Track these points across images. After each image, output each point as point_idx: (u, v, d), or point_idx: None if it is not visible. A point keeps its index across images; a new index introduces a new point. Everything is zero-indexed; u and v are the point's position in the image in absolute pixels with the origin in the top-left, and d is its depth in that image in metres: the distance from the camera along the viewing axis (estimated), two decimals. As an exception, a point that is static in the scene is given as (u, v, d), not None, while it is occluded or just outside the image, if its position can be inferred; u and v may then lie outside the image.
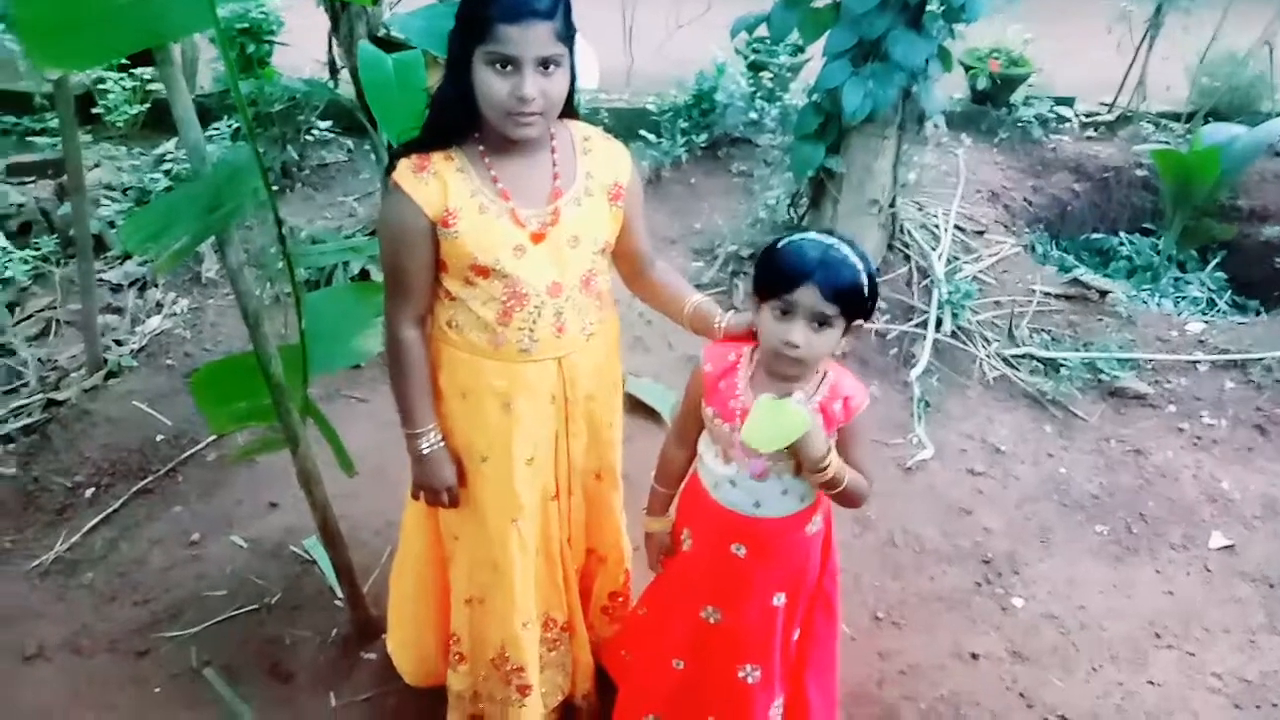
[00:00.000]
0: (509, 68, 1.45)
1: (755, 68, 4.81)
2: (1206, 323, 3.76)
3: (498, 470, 1.74)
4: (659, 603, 1.93)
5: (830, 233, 1.57)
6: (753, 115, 4.66)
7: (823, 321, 1.51)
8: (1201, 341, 3.59)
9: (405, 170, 1.56)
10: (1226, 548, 2.80)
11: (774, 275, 1.53)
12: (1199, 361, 3.50)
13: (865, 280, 1.52)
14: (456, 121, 1.55)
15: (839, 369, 1.66)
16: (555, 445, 1.79)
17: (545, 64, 1.46)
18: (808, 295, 1.49)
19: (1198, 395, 3.38)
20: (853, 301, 1.51)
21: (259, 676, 2.29)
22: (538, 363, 1.67)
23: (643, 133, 4.57)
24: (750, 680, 1.83)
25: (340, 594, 2.37)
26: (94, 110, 4.48)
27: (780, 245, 1.56)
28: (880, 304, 3.58)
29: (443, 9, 2.01)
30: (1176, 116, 5.13)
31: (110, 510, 2.73)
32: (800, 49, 4.85)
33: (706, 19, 4.94)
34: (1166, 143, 4.84)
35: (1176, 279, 4.38)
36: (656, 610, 1.93)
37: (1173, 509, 2.93)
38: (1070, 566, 2.72)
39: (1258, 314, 4.19)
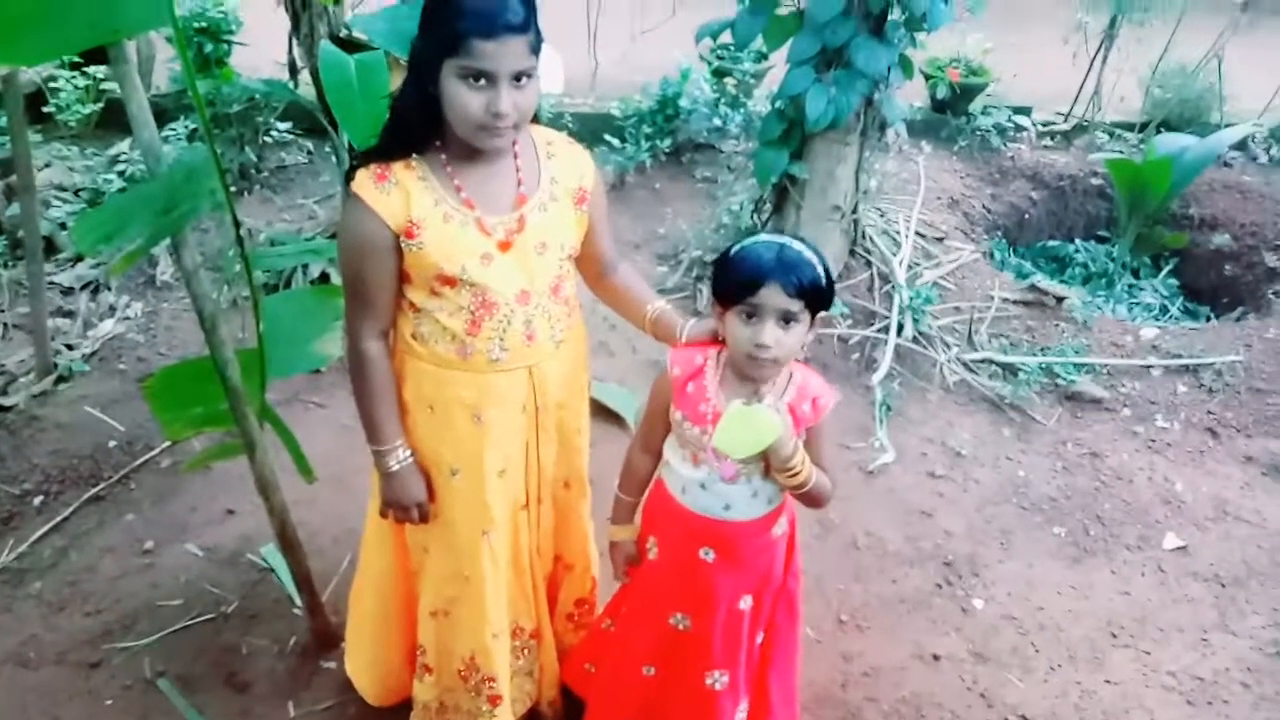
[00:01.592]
0: (482, 81, 1.43)
1: (719, 74, 4.83)
2: (1160, 328, 3.84)
3: (469, 483, 1.72)
4: (626, 613, 1.92)
5: (780, 233, 1.59)
6: (717, 121, 4.69)
7: (789, 318, 1.53)
8: (1155, 346, 3.67)
9: (365, 180, 1.52)
10: (1180, 549, 2.86)
11: (736, 280, 1.54)
12: (1152, 366, 3.58)
13: (823, 273, 1.55)
14: (419, 130, 1.52)
15: (805, 370, 1.68)
16: (526, 455, 1.77)
17: (518, 77, 1.45)
18: (772, 295, 1.51)
19: (1151, 399, 3.45)
20: (815, 295, 1.53)
21: (215, 687, 2.24)
22: (508, 372, 1.65)
23: (607, 138, 4.57)
24: (718, 687, 1.83)
25: (299, 602, 2.33)
26: (45, 109, 4.38)
27: (736, 251, 1.58)
28: (842, 309, 3.62)
29: (405, 10, 1.99)
30: (1130, 126, 5.25)
31: (60, 518, 2.66)
32: (764, 56, 4.88)
33: (671, 25, 4.95)
34: (1120, 152, 4.95)
35: (1130, 285, 4.48)
36: (624, 621, 1.92)
37: (1128, 511, 2.98)
38: (1029, 568, 2.76)
39: (1209, 320, 4.29)
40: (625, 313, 1.87)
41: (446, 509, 1.75)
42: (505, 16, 1.39)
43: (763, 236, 1.58)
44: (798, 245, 1.55)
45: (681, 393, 1.66)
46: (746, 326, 1.54)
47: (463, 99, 1.44)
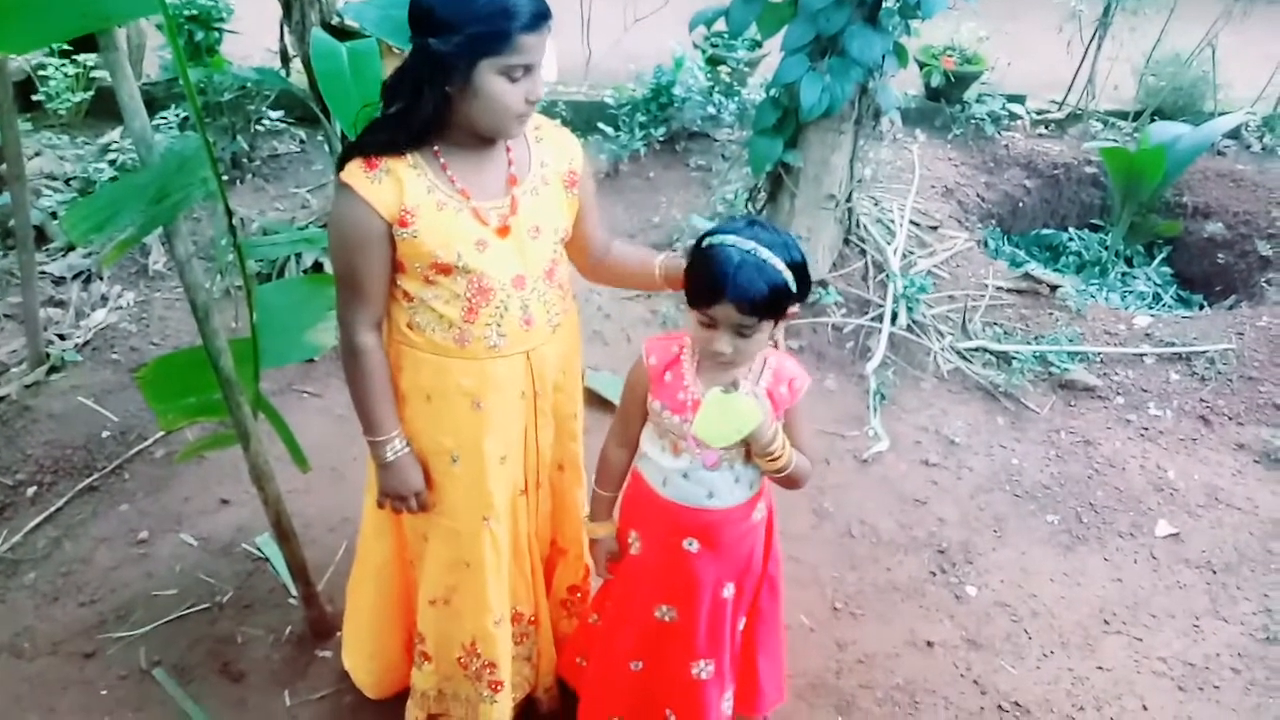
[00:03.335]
0: (521, 73, 1.45)
1: (713, 62, 4.82)
2: (1153, 316, 3.85)
3: (470, 470, 1.72)
4: (611, 608, 1.92)
5: (753, 224, 1.53)
6: (711, 109, 4.67)
7: (745, 330, 1.52)
8: (1148, 335, 3.68)
9: (356, 170, 1.51)
10: (1172, 535, 2.87)
11: (694, 288, 1.53)
12: (1145, 354, 3.59)
13: (787, 277, 1.50)
14: (430, 129, 1.51)
15: (778, 353, 1.68)
16: (525, 440, 1.78)
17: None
18: (724, 312, 1.49)
19: (1144, 387, 3.46)
20: (772, 306, 1.50)
21: (210, 676, 2.25)
22: (507, 358, 1.65)
23: (601, 126, 4.56)
24: (704, 676, 1.84)
25: (294, 592, 2.33)
26: (34, 97, 4.35)
27: (703, 249, 1.53)
28: (836, 298, 3.62)
29: (398, -3, 1.98)
30: (1124, 115, 5.25)
31: (53, 509, 2.66)
32: (758, 44, 4.87)
33: (664, 12, 4.93)
34: (1114, 141, 4.95)
35: (1124, 274, 4.49)
36: (610, 615, 1.92)
37: (1121, 498, 3.00)
38: (1022, 555, 2.77)
39: (1201, 308, 4.30)
40: (633, 281, 1.86)
41: (448, 496, 1.75)
42: (542, 6, 1.42)
43: (731, 236, 1.51)
44: (765, 253, 1.48)
45: (659, 382, 1.65)
46: (704, 331, 1.54)
47: (505, 94, 1.45)
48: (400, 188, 1.51)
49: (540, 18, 1.42)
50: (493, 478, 1.73)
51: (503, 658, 1.88)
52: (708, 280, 1.50)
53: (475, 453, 1.70)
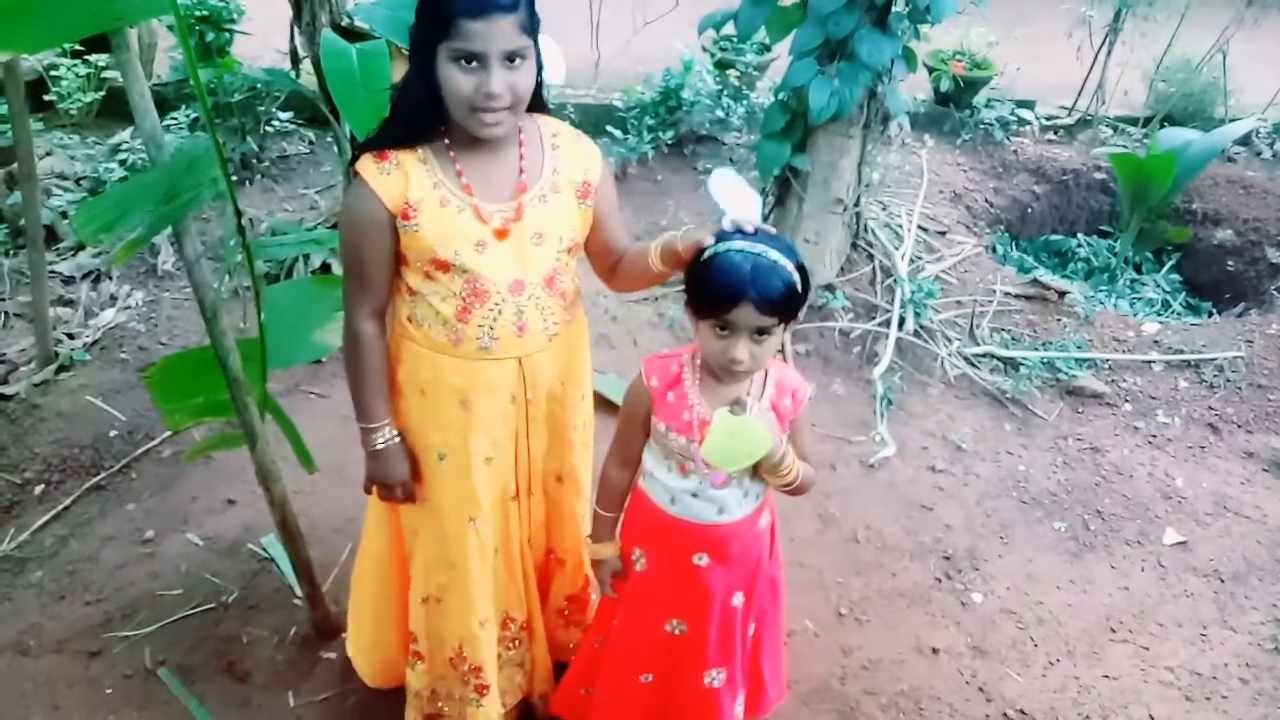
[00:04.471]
0: (474, 63, 1.43)
1: (722, 65, 4.82)
2: (1161, 323, 3.83)
3: (456, 468, 1.72)
4: (619, 626, 1.89)
5: (755, 234, 1.51)
6: (719, 113, 4.67)
7: (763, 332, 1.50)
8: (1156, 342, 3.66)
9: (367, 161, 1.55)
10: (1180, 544, 2.86)
11: (708, 296, 1.50)
12: (1154, 361, 3.57)
13: (796, 278, 1.49)
14: (425, 121, 1.53)
15: (778, 363, 1.67)
16: (515, 445, 1.77)
17: (511, 58, 1.44)
18: (745, 314, 1.47)
19: (1153, 394, 3.45)
20: (789, 306, 1.49)
21: (215, 676, 2.25)
22: (497, 361, 1.65)
23: (609, 129, 4.56)
24: (717, 685, 1.83)
25: (299, 592, 2.34)
26: (46, 97, 4.37)
27: (709, 260, 1.51)
28: (844, 302, 3.62)
29: (407, -1, 1.98)
30: (1134, 121, 5.23)
31: (61, 507, 2.66)
32: (767, 47, 4.87)
33: (673, 16, 4.93)
34: (1124, 147, 4.93)
35: (1133, 280, 4.47)
36: (617, 633, 1.90)
37: (1128, 506, 2.98)
38: (1029, 562, 2.76)
39: (1210, 315, 4.28)
40: (641, 278, 1.73)
41: (435, 494, 1.76)
42: None
43: (737, 242, 1.49)
44: (774, 254, 1.47)
45: (662, 403, 1.63)
46: (720, 341, 1.51)
47: (455, 82, 1.44)
48: (406, 181, 1.53)
49: (487, 6, 1.38)
50: (478, 477, 1.73)
51: (488, 661, 1.88)
52: (725, 284, 1.47)
53: (462, 451, 1.71)
